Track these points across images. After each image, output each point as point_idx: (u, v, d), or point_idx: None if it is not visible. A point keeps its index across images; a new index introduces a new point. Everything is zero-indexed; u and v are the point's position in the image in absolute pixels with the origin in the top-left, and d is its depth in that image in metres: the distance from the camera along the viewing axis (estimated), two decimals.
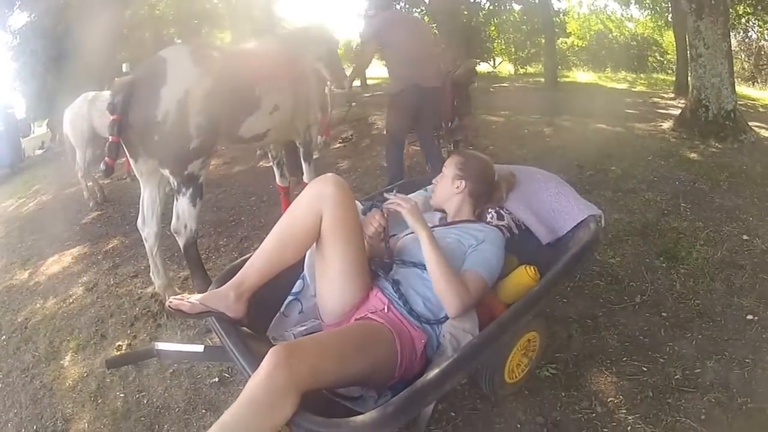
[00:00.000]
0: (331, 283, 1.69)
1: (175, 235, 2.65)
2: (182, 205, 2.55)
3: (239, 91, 2.61)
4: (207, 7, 15.10)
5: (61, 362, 2.62)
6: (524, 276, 1.85)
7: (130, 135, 2.44)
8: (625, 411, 1.86)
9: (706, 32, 5.54)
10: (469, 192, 2.02)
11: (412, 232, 1.91)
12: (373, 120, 8.19)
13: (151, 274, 2.89)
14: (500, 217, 2.11)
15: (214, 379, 2.25)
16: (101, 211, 5.26)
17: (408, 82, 3.77)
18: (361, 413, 1.24)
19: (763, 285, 2.59)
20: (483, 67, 18.23)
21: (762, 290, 2.54)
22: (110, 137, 2.42)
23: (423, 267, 1.73)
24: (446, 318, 1.64)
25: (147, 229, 2.76)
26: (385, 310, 1.64)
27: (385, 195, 1.78)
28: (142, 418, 2.11)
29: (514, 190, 2.23)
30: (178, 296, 1.63)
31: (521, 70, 18.41)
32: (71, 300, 3.28)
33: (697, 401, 1.88)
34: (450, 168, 2.06)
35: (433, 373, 1.33)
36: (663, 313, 2.42)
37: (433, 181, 2.15)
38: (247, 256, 1.91)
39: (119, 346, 2.63)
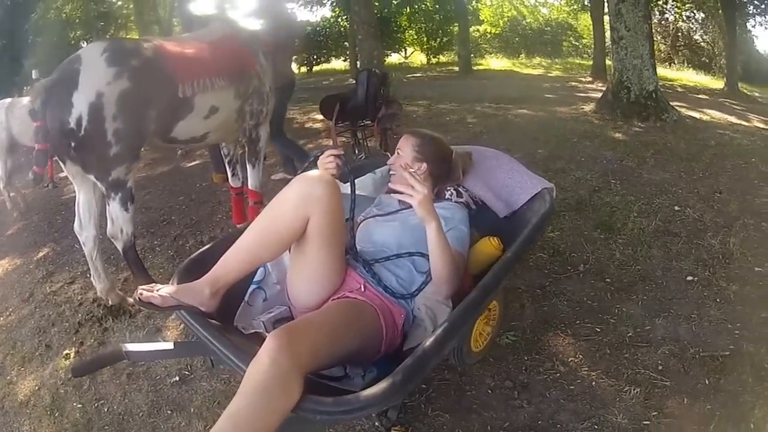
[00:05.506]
0: (309, 279, 1.66)
1: (112, 239, 2.55)
2: (114, 210, 2.44)
3: (163, 92, 2.38)
4: (114, 8, 14.63)
5: (8, 378, 2.44)
6: (489, 246, 1.93)
7: (53, 139, 2.27)
8: (587, 368, 1.97)
9: (628, 15, 5.83)
10: (429, 173, 2.02)
11: (378, 215, 1.94)
12: (293, 115, 8.11)
13: (92, 278, 2.75)
14: (459, 195, 2.16)
15: (174, 379, 2.17)
16: (26, 221, 4.93)
17: None
18: (352, 392, 1.23)
19: (698, 250, 2.79)
20: (394, 58, 18.32)
21: (698, 254, 2.74)
22: (37, 145, 2.26)
23: (386, 250, 1.79)
24: (418, 291, 1.69)
25: (85, 233, 2.63)
26: (362, 289, 1.64)
27: (403, 172, 1.64)
28: (105, 427, 2.00)
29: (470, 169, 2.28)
30: (147, 287, 1.53)
31: (433, 60, 18.49)
32: (8, 313, 3.06)
33: (652, 354, 2.02)
34: (407, 150, 2.03)
35: (430, 340, 1.34)
36: (607, 279, 2.56)
37: (389, 163, 2.11)
38: (208, 246, 1.90)
39: (66, 354, 2.48)
